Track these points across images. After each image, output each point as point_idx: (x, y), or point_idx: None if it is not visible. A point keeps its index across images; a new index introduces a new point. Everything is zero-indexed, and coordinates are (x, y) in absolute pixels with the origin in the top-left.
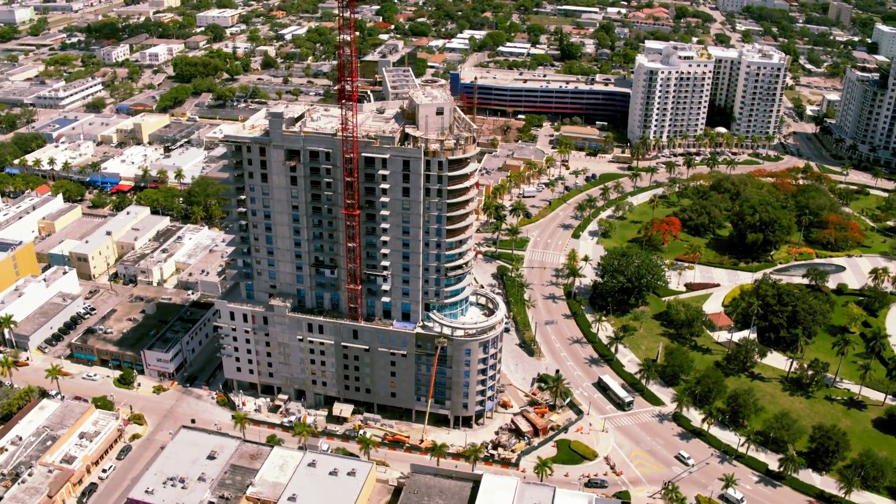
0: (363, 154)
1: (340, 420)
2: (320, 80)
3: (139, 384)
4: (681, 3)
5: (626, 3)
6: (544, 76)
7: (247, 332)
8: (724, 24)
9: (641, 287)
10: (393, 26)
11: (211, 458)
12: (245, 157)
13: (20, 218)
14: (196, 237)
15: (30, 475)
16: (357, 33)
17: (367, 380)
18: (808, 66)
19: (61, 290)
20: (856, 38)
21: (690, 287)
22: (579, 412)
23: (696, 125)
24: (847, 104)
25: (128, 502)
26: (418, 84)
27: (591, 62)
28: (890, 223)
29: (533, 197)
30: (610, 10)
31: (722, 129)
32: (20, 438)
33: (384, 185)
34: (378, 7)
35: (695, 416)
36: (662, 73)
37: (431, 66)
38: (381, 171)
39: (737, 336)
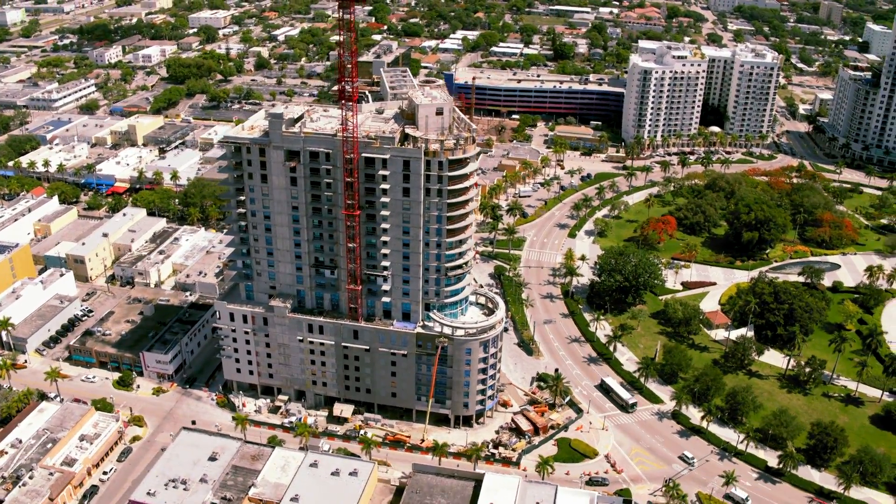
0: (363, 154)
1: (341, 420)
2: (314, 81)
3: (138, 386)
4: (672, 3)
5: (617, 3)
6: (538, 76)
7: (246, 332)
8: (716, 23)
9: (638, 286)
10: (386, 27)
11: (212, 459)
12: (245, 157)
13: (16, 220)
14: (193, 238)
15: (30, 478)
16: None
17: (367, 380)
18: (800, 65)
19: (58, 292)
20: (847, 38)
21: (687, 286)
22: (579, 411)
23: (690, 124)
24: (840, 103)
25: None
26: (416, 84)
27: (584, 62)
28: (884, 221)
29: (529, 196)
30: (602, 10)
31: (716, 129)
32: (20, 441)
33: (384, 186)
34: (371, 8)
35: (694, 414)
36: (656, 72)
37: (425, 67)
38: (382, 172)
39: (734, 334)
